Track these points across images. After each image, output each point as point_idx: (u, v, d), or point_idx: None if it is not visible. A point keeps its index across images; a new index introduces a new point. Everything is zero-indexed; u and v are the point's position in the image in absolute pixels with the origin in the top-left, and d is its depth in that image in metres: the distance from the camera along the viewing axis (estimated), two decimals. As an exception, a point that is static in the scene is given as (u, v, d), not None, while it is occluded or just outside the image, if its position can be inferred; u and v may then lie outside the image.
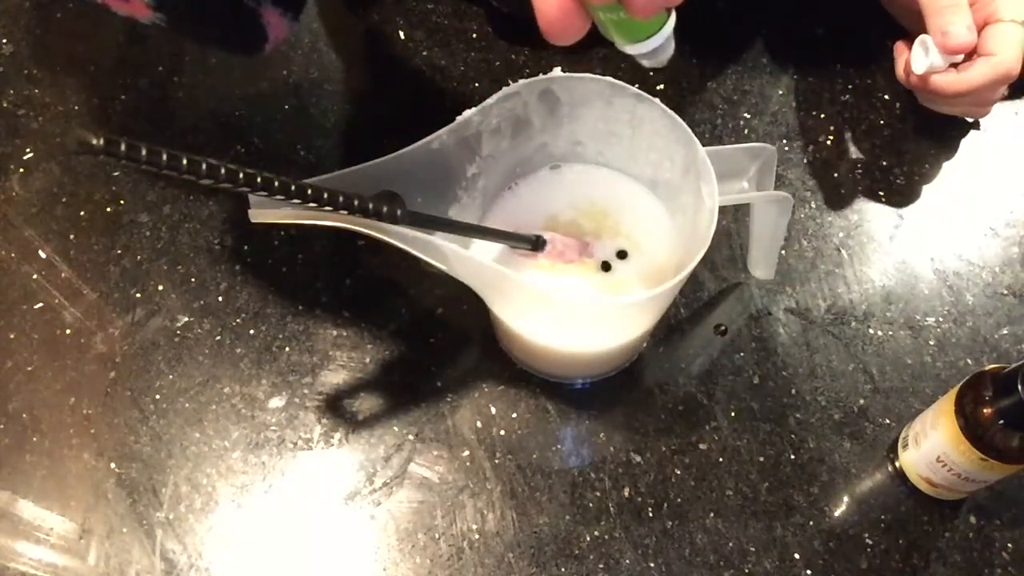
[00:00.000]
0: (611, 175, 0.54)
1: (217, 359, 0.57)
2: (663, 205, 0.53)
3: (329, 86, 0.68)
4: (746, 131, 0.66)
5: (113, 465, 0.54)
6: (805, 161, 0.65)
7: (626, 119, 0.49)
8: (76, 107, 0.67)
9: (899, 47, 0.63)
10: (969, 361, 0.57)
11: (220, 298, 0.59)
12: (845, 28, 0.70)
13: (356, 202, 0.38)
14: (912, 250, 0.62)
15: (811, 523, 0.52)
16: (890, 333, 0.58)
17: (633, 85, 0.46)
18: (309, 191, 0.36)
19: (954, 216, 0.63)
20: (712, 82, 0.68)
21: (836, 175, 0.64)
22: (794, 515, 0.53)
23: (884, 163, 0.65)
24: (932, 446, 0.49)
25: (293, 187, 0.36)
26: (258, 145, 0.65)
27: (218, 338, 0.58)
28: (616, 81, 0.46)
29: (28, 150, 0.65)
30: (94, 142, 0.28)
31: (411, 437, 0.55)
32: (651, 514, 0.53)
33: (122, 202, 0.63)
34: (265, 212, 0.41)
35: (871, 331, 0.58)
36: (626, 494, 0.53)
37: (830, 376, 0.57)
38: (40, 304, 0.59)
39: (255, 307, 0.59)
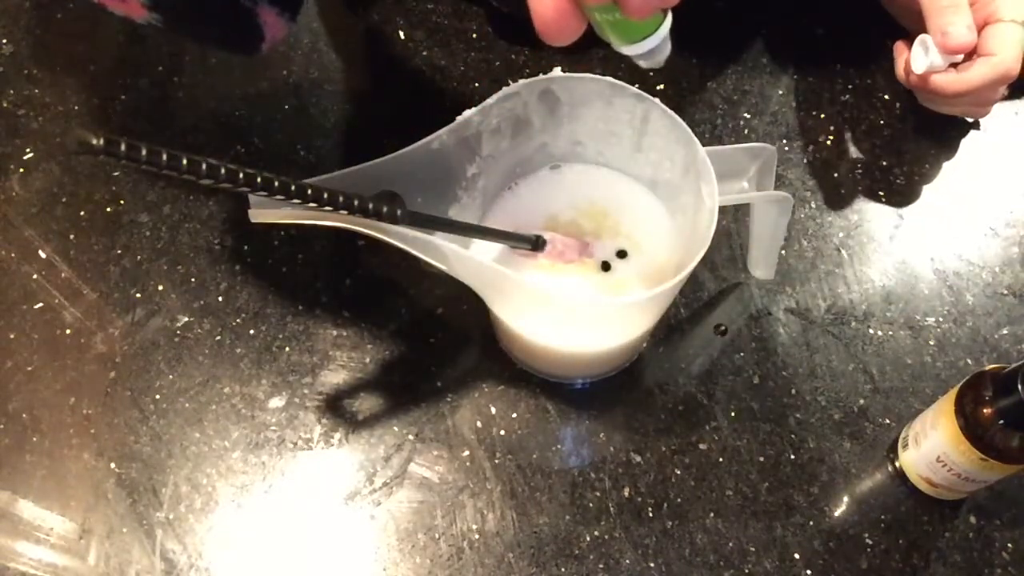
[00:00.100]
0: (611, 175, 0.54)
1: (217, 359, 0.57)
2: (663, 205, 0.53)
3: (329, 86, 0.68)
4: (746, 131, 0.66)
5: (113, 465, 0.54)
6: (805, 161, 0.65)
7: (626, 119, 0.49)
8: (76, 107, 0.67)
9: (899, 47, 0.63)
10: (969, 361, 0.57)
11: (220, 298, 0.59)
12: (845, 28, 0.70)
13: (356, 202, 0.38)
14: (912, 250, 0.62)
15: (811, 523, 0.52)
16: (890, 333, 0.58)
17: (633, 85, 0.46)
18: (309, 191, 0.36)
19: (954, 216, 0.63)
20: (712, 82, 0.68)
21: (836, 175, 0.64)
22: (794, 515, 0.53)
23: (884, 163, 0.65)
24: (932, 446, 0.49)
25: (293, 187, 0.36)
26: (258, 145, 0.65)
27: (218, 338, 0.58)
28: (616, 81, 0.46)
29: (28, 150, 0.65)
30: (94, 142, 0.28)
31: (411, 437, 0.55)
32: (651, 514, 0.53)
33: (122, 202, 0.63)
34: (265, 212, 0.41)
35: (871, 331, 0.58)
36: (626, 494, 0.53)
37: (830, 376, 0.57)
38: (40, 304, 0.59)
39: (255, 307, 0.59)
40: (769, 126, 0.66)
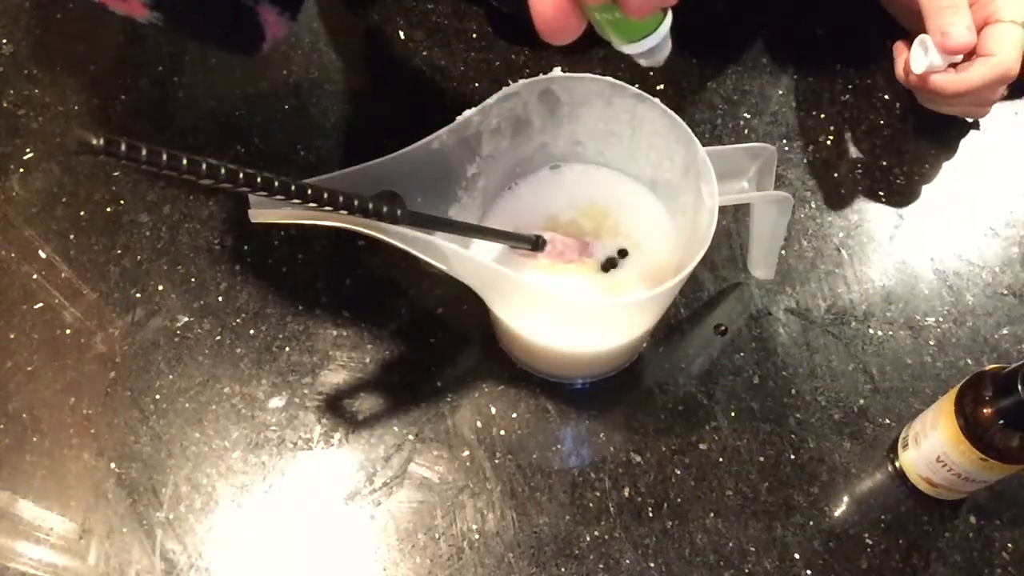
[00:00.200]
0: (611, 175, 0.54)
1: (217, 359, 0.57)
2: (663, 205, 0.53)
3: (329, 86, 0.68)
4: (746, 131, 0.66)
5: (113, 465, 0.54)
6: (805, 161, 0.65)
7: (626, 119, 0.49)
8: (76, 107, 0.67)
9: (899, 47, 0.63)
10: (969, 361, 0.57)
11: (220, 298, 0.59)
12: (845, 28, 0.70)
13: (356, 202, 0.38)
14: (912, 250, 0.62)
15: (811, 523, 0.52)
16: (890, 333, 0.58)
17: (633, 85, 0.46)
18: (309, 191, 0.36)
19: (954, 216, 0.63)
20: (712, 82, 0.68)
21: (836, 175, 0.64)
22: (794, 515, 0.53)
23: (884, 163, 0.65)
24: (932, 446, 0.49)
25: (293, 187, 0.36)
26: (258, 145, 0.65)
27: (218, 338, 0.58)
28: (616, 81, 0.46)
29: (28, 150, 0.65)
30: (94, 142, 0.28)
31: (411, 437, 0.55)
32: (651, 514, 0.53)
33: (122, 202, 0.63)
34: (265, 212, 0.41)
35: (871, 331, 0.58)
36: (626, 494, 0.53)
37: (830, 376, 0.57)
38: (40, 304, 0.59)
39: (255, 307, 0.59)
40: (769, 126, 0.66)
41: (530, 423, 0.55)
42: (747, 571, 0.51)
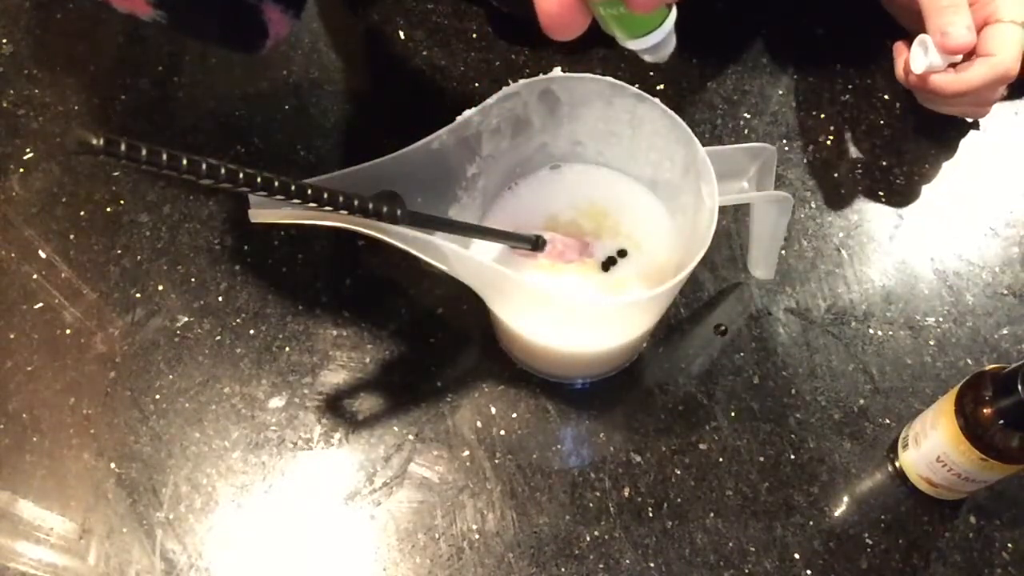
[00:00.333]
0: (611, 175, 0.54)
1: (217, 359, 0.57)
2: (663, 205, 0.53)
3: (329, 86, 0.68)
4: (746, 131, 0.66)
5: (113, 465, 0.54)
6: (805, 161, 0.65)
7: (626, 119, 0.49)
8: (76, 107, 0.67)
9: (899, 47, 0.63)
10: (969, 361, 0.57)
11: (220, 298, 0.59)
12: (845, 28, 0.70)
13: (356, 202, 0.38)
14: (912, 250, 0.62)
15: (811, 523, 0.52)
16: (890, 333, 0.58)
17: (633, 85, 0.46)
18: (309, 191, 0.36)
19: (954, 216, 0.63)
20: (712, 82, 0.68)
21: (836, 175, 0.64)
22: (794, 515, 0.53)
23: (884, 163, 0.65)
24: (932, 446, 0.49)
25: (293, 187, 0.36)
26: (258, 145, 0.65)
27: (218, 338, 0.58)
28: (616, 81, 0.46)
29: (28, 150, 0.65)
30: (94, 142, 0.28)
31: (411, 437, 0.55)
32: (651, 514, 0.53)
33: (122, 202, 0.63)
34: (265, 212, 0.41)
35: (871, 331, 0.58)
36: (626, 494, 0.53)
37: (830, 376, 0.57)
38: (40, 304, 0.59)
39: (255, 307, 0.59)
40: (769, 126, 0.66)
41: (530, 423, 0.55)
42: (747, 571, 0.51)
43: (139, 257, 0.61)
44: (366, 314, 0.59)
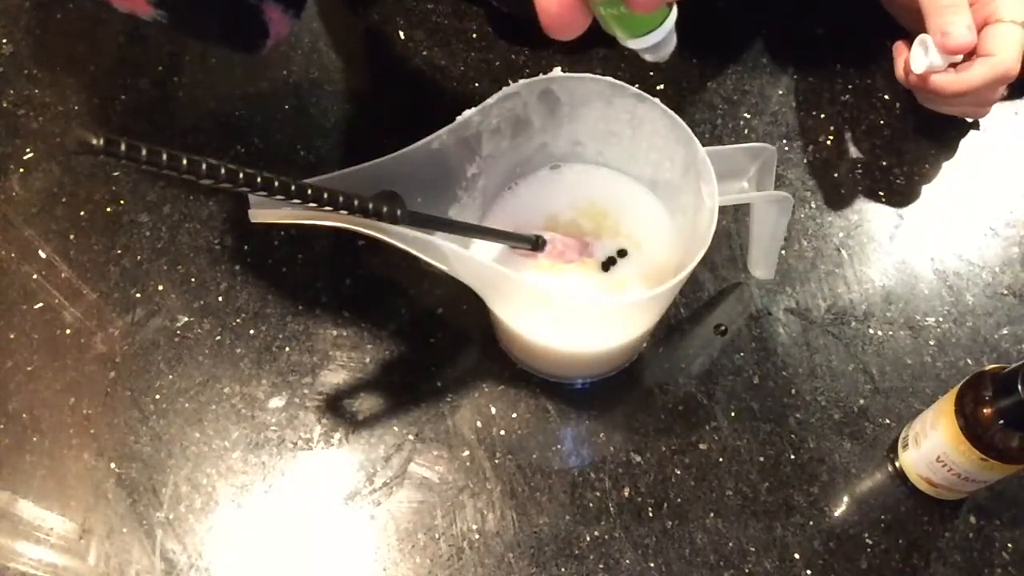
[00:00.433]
0: (611, 175, 0.54)
1: (217, 359, 0.57)
2: (663, 205, 0.53)
3: (329, 86, 0.68)
4: (746, 131, 0.66)
5: (113, 465, 0.54)
6: (805, 161, 0.65)
7: (626, 119, 0.49)
8: (76, 107, 0.67)
9: (899, 47, 0.63)
10: (969, 361, 0.57)
11: (220, 298, 0.59)
12: (845, 28, 0.70)
13: (356, 202, 0.38)
14: (912, 250, 0.62)
15: (811, 523, 0.52)
16: (890, 333, 0.58)
17: (633, 85, 0.46)
18: (309, 191, 0.36)
19: (954, 216, 0.63)
20: (712, 82, 0.68)
21: (836, 175, 0.64)
22: (794, 515, 0.53)
23: (884, 163, 0.65)
24: (932, 446, 0.49)
25: (293, 187, 0.36)
26: (258, 145, 0.65)
27: (218, 338, 0.58)
28: (616, 81, 0.46)
29: (28, 150, 0.65)
30: (94, 142, 0.28)
31: (411, 437, 0.55)
32: (651, 514, 0.53)
33: (122, 202, 0.63)
34: (265, 212, 0.41)
35: (871, 331, 0.58)
36: (626, 494, 0.53)
37: (830, 376, 0.57)
38: (40, 304, 0.59)
39: (255, 307, 0.59)
40: (769, 126, 0.66)
41: (530, 423, 0.55)
42: (747, 571, 0.51)
43: (139, 257, 0.61)
44: (366, 314, 0.59)
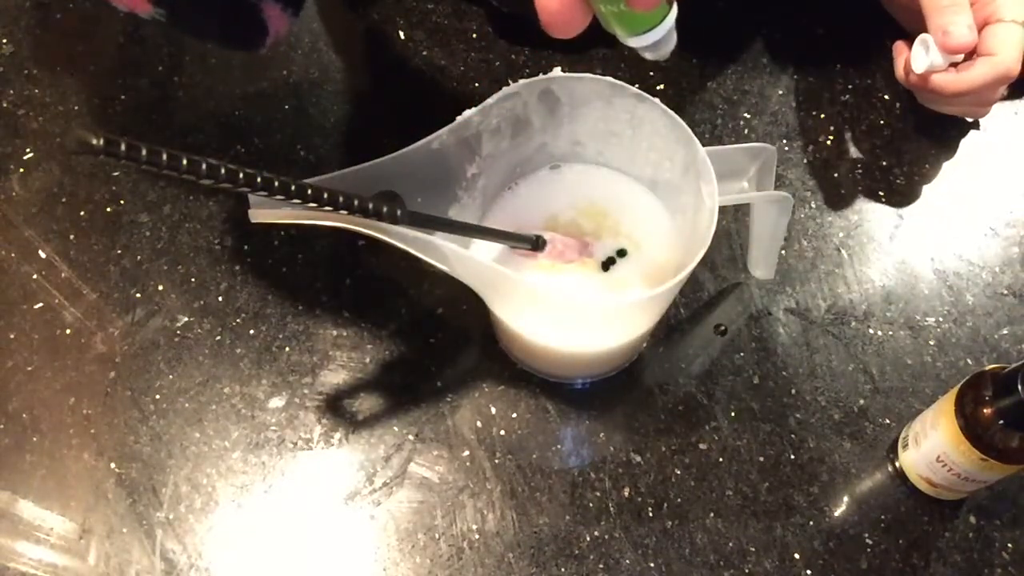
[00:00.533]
0: (611, 175, 0.54)
1: (217, 359, 0.57)
2: (663, 205, 0.53)
3: (329, 86, 0.68)
4: (746, 131, 0.66)
5: (113, 465, 0.54)
6: (805, 161, 0.65)
7: (626, 119, 0.49)
8: (76, 107, 0.67)
9: (899, 47, 0.63)
10: (969, 361, 0.57)
11: (220, 298, 0.59)
12: (845, 28, 0.70)
13: (356, 202, 0.38)
14: (912, 250, 0.62)
15: (811, 523, 0.52)
16: (890, 333, 0.58)
17: (633, 85, 0.46)
18: (309, 191, 0.36)
19: (954, 216, 0.63)
20: (712, 82, 0.68)
21: (836, 175, 0.64)
22: (794, 515, 0.53)
23: (884, 163, 0.65)
24: (932, 446, 0.49)
25: (293, 187, 0.36)
26: (258, 145, 0.65)
27: (218, 338, 0.58)
28: (616, 81, 0.46)
29: (28, 150, 0.65)
30: (94, 142, 0.28)
31: (411, 437, 0.55)
32: (651, 514, 0.53)
33: (122, 202, 0.63)
34: (265, 212, 0.41)
35: (871, 331, 0.58)
36: (626, 494, 0.53)
37: (830, 376, 0.57)
38: (40, 304, 0.59)
39: (255, 307, 0.59)
40: (769, 126, 0.66)
41: (530, 423, 0.55)
42: (747, 571, 0.51)
43: (139, 257, 0.61)
44: (366, 314, 0.59)
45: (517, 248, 0.48)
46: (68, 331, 0.58)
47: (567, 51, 0.69)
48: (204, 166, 0.32)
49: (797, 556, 0.52)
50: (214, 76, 0.69)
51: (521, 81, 0.46)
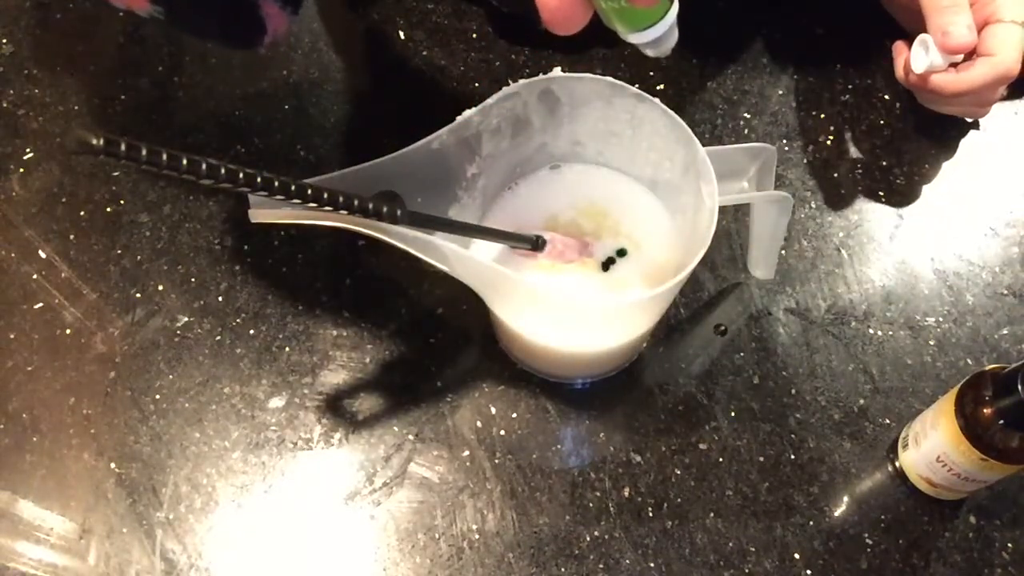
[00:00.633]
0: (611, 175, 0.54)
1: (217, 359, 0.57)
2: (663, 205, 0.53)
3: (329, 86, 0.68)
4: (746, 131, 0.66)
5: (113, 465, 0.54)
6: (805, 161, 0.65)
7: (626, 119, 0.49)
8: (76, 107, 0.67)
9: (899, 47, 0.63)
10: (969, 361, 0.57)
11: (220, 298, 0.59)
12: (845, 28, 0.70)
13: (356, 202, 0.38)
14: (912, 250, 0.62)
15: (811, 523, 0.52)
16: (890, 333, 0.58)
17: (633, 85, 0.46)
18: (309, 191, 0.36)
19: (954, 216, 0.63)
20: (712, 82, 0.68)
21: (836, 175, 0.64)
22: (794, 515, 0.53)
23: (884, 163, 0.65)
24: (932, 446, 0.49)
25: (293, 187, 0.36)
26: (258, 145, 0.65)
27: (218, 338, 0.58)
28: (616, 81, 0.46)
29: (28, 150, 0.65)
30: (94, 142, 0.28)
31: (411, 437, 0.55)
32: (651, 514, 0.53)
33: (122, 202, 0.63)
34: (265, 212, 0.41)
35: (871, 331, 0.58)
36: (626, 494, 0.53)
37: (830, 376, 0.57)
38: (40, 304, 0.59)
39: (255, 307, 0.59)
40: (769, 126, 0.66)
41: (530, 423, 0.55)
42: (747, 571, 0.51)
43: (139, 257, 0.61)
44: (366, 314, 0.59)
45: (517, 248, 0.48)
46: (68, 331, 0.58)
47: (567, 51, 0.69)
48: (204, 166, 0.32)
49: (797, 556, 0.52)
50: (214, 76, 0.69)
51: (521, 81, 0.46)
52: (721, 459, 0.54)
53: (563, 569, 0.51)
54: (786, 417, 0.56)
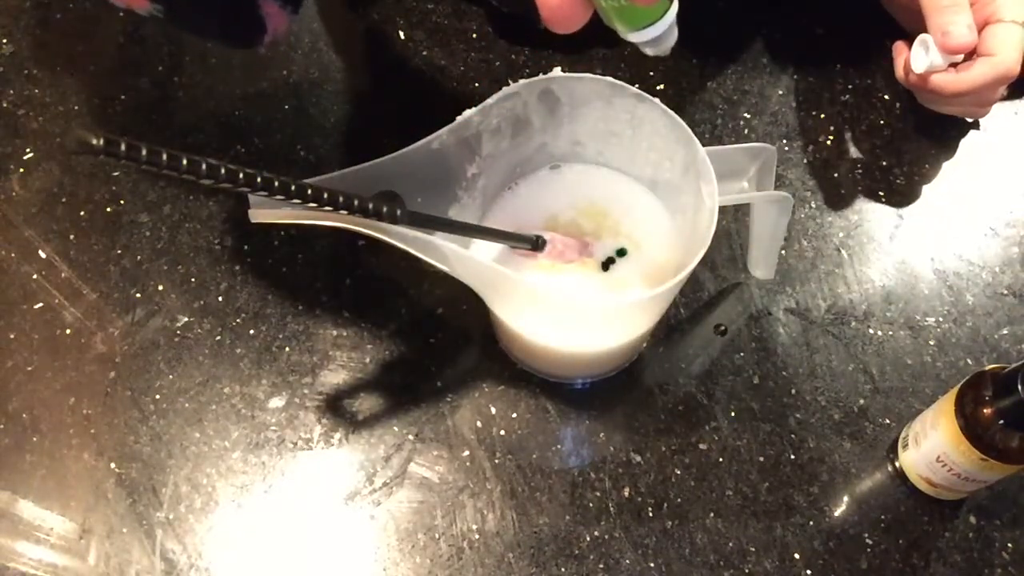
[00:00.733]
0: (611, 175, 0.54)
1: (217, 359, 0.57)
2: (663, 205, 0.53)
3: (329, 86, 0.68)
4: (746, 131, 0.66)
5: (113, 465, 0.54)
6: (805, 161, 0.65)
7: (626, 119, 0.49)
8: (76, 107, 0.67)
9: (899, 47, 0.63)
10: (969, 361, 0.57)
11: (220, 298, 0.59)
12: (845, 28, 0.70)
13: (356, 202, 0.38)
14: (912, 250, 0.62)
15: (811, 523, 0.52)
16: (890, 333, 0.58)
17: (633, 85, 0.46)
18: (309, 191, 0.36)
19: (954, 216, 0.63)
20: (712, 82, 0.68)
21: (836, 175, 0.64)
22: (794, 515, 0.53)
23: (884, 163, 0.65)
24: (932, 446, 0.49)
25: (293, 187, 0.36)
26: (258, 145, 0.65)
27: (218, 338, 0.58)
28: (616, 81, 0.46)
29: (28, 150, 0.65)
30: (94, 142, 0.28)
31: (411, 437, 0.55)
32: (651, 514, 0.53)
33: (122, 202, 0.63)
34: (265, 212, 0.41)
35: (871, 331, 0.58)
36: (626, 494, 0.53)
37: (830, 376, 0.57)
38: (40, 304, 0.59)
39: (255, 307, 0.59)
40: (769, 126, 0.66)
41: (530, 423, 0.55)
42: (747, 571, 0.51)
43: (139, 257, 0.61)
44: (366, 314, 0.59)
45: (517, 248, 0.48)
46: (68, 331, 0.58)
47: (567, 51, 0.69)
48: (204, 166, 0.32)
49: (797, 556, 0.52)
50: (214, 76, 0.69)
51: (521, 81, 0.46)
52: (721, 459, 0.54)
53: (563, 569, 0.51)
54: (786, 417, 0.56)
